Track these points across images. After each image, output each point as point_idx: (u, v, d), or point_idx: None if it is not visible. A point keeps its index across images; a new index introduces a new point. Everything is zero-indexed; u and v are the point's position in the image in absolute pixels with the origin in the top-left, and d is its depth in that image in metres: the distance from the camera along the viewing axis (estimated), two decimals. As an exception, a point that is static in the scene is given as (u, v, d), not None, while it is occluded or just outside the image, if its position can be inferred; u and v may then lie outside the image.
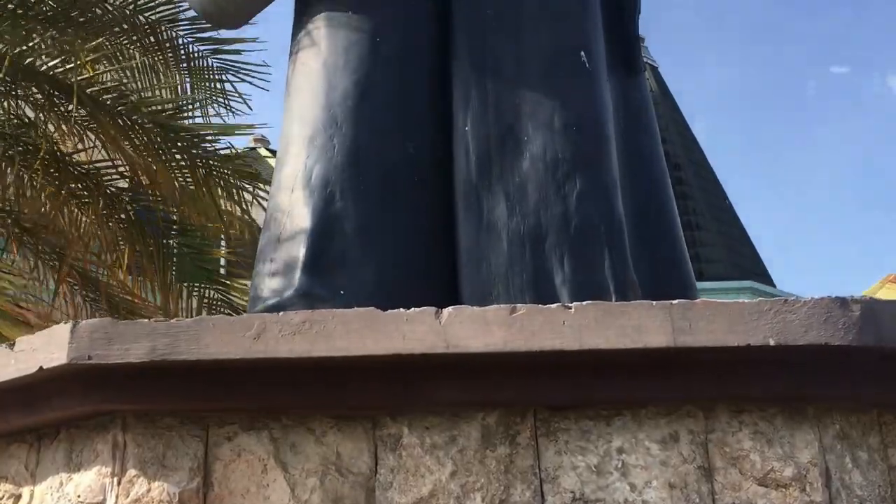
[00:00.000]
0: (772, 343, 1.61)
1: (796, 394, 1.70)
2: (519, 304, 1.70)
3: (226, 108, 5.71)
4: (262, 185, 5.59)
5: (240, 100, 5.85)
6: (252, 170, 5.83)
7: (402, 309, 1.70)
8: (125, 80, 5.35)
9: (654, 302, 1.67)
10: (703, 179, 15.47)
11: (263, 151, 18.83)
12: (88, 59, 4.96)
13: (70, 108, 4.79)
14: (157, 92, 5.56)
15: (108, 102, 5.08)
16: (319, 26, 2.50)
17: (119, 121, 4.99)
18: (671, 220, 2.73)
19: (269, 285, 2.30)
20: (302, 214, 2.30)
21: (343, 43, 2.44)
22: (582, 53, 2.45)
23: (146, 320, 1.69)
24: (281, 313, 1.70)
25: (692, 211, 14.30)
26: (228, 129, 5.62)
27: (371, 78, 2.41)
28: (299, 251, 2.26)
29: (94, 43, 4.85)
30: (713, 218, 14.81)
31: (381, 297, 2.21)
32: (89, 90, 4.94)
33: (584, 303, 1.68)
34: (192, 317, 6.30)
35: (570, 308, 1.67)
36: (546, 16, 2.48)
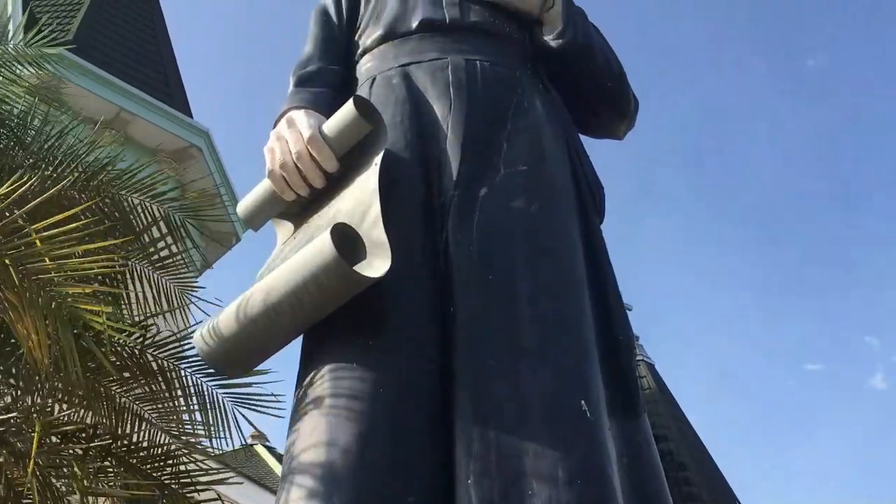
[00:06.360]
0: None
1: None
2: None
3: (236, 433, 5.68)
4: None
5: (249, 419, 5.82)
6: None
7: None
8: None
9: None
10: (710, 478, 15.10)
11: (260, 449, 18.38)
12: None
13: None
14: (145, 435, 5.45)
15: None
16: (324, 377, 2.56)
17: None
18: None
19: None
20: None
21: (345, 394, 2.48)
22: (582, 402, 2.48)
23: None
24: None
25: (701, 513, 13.81)
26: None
27: (372, 432, 2.42)
28: None
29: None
30: (724, 520, 14.28)
31: None
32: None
33: None
34: None
35: None
36: (545, 354, 2.53)
